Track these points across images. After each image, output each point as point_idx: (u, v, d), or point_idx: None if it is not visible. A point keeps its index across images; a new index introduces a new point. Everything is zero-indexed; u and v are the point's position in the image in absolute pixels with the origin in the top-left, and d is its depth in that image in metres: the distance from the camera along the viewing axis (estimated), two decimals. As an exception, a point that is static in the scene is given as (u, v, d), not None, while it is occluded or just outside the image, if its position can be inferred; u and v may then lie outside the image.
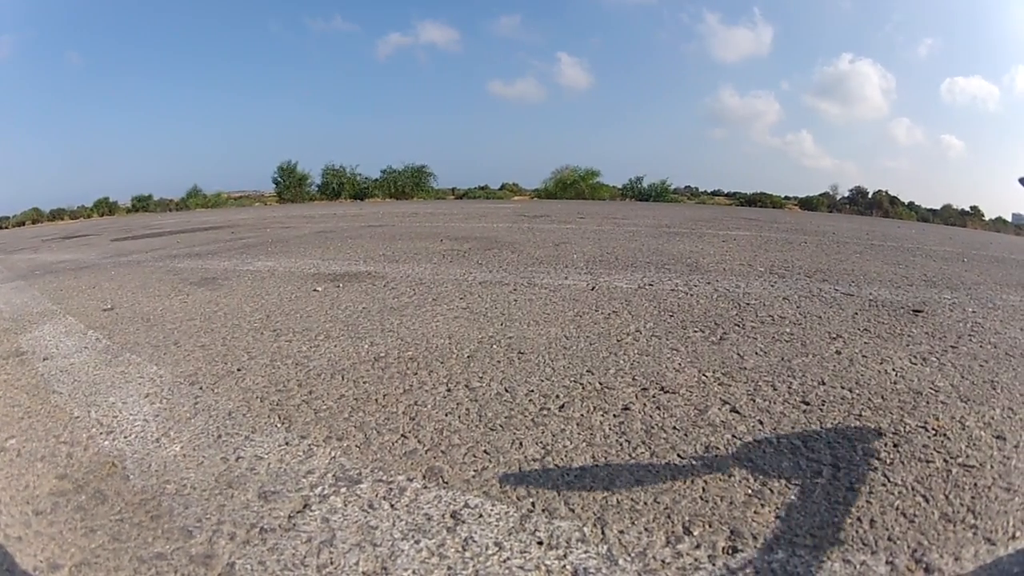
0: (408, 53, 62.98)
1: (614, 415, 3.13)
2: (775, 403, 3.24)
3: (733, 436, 2.86)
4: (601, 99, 64.15)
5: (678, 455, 2.68)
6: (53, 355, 4.58)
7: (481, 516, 2.26)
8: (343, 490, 2.47)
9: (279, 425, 3.12)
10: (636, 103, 67.77)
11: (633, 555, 2.01)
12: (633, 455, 2.69)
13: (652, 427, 2.98)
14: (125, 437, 3.05)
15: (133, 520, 2.30)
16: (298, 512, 2.32)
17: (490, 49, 64.41)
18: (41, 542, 2.19)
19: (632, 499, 2.34)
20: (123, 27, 59.54)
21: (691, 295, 5.93)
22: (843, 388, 3.44)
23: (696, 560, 1.98)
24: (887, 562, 1.95)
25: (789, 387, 3.46)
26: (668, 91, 66.88)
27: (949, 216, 33.23)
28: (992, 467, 2.55)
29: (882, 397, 3.31)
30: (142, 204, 41.61)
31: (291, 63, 66.59)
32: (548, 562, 1.98)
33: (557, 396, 3.39)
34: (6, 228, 35.34)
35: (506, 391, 3.48)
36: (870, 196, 37.82)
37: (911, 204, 36.63)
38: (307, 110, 67.48)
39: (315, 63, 65.98)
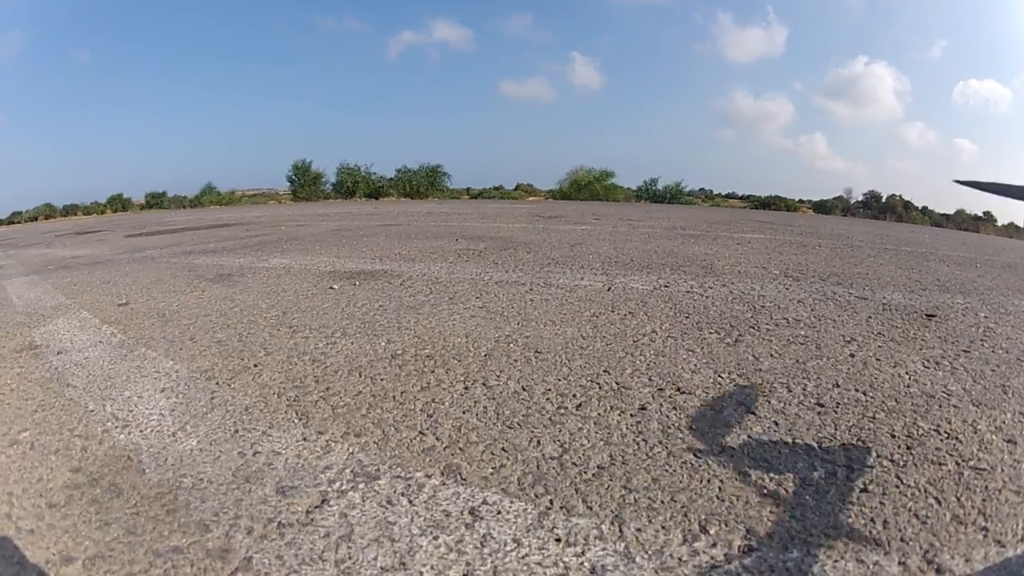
0: (420, 51, 63.25)
1: (631, 415, 3.14)
2: (790, 404, 3.24)
3: (749, 437, 2.87)
4: (613, 99, 64.28)
5: (694, 455, 2.69)
6: (67, 349, 4.61)
7: (499, 513, 2.27)
8: (361, 486, 2.48)
9: (296, 421, 3.14)
10: (649, 103, 67.89)
11: (650, 553, 2.02)
12: (650, 454, 2.70)
13: (669, 427, 2.98)
14: (141, 431, 3.07)
15: (149, 514, 2.31)
16: (316, 507, 2.33)
17: (502, 48, 64.63)
18: (54, 535, 2.20)
19: (649, 497, 2.35)
20: (136, 27, 60.11)
21: (706, 297, 5.93)
22: (857, 391, 3.44)
23: (712, 558, 1.99)
24: (900, 562, 1.96)
25: (804, 389, 3.46)
26: (681, 91, 66.95)
27: (962, 221, 33.13)
28: (1003, 470, 2.55)
29: (895, 400, 3.31)
30: (156, 201, 41.79)
31: (304, 62, 66.97)
32: (566, 559, 1.99)
33: (574, 395, 3.40)
34: (18, 223, 35.47)
35: (523, 389, 3.49)
36: (884, 200, 37.75)
37: (924, 208, 36.55)
38: (321, 109, 67.75)
39: (327, 62, 66.28)
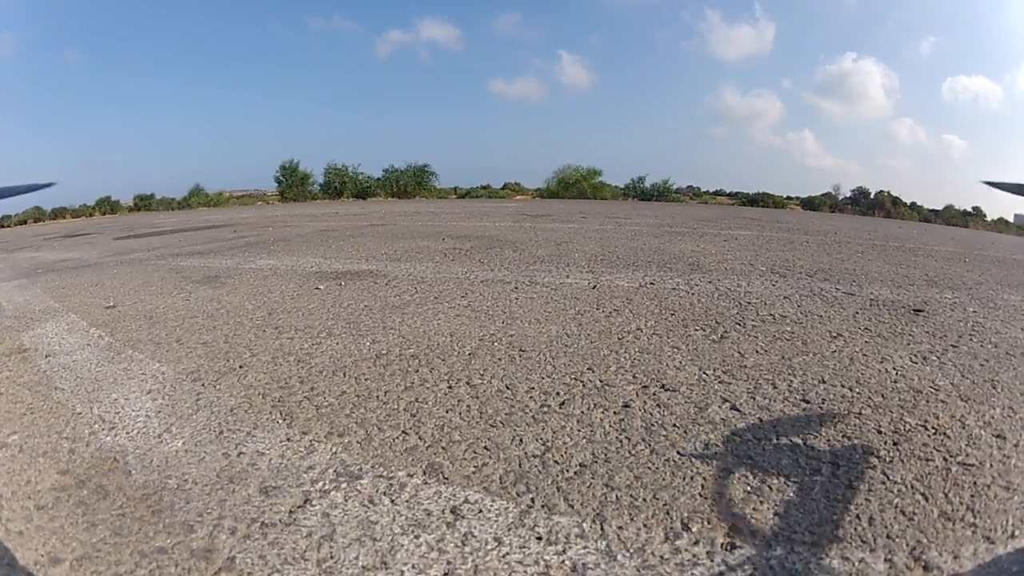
0: (409, 51, 62.89)
1: (614, 412, 3.14)
2: (775, 401, 3.25)
3: (733, 433, 2.87)
4: (602, 98, 64.01)
5: (678, 452, 2.69)
6: (55, 352, 4.60)
7: (481, 511, 2.27)
8: (344, 485, 2.48)
9: (281, 421, 3.13)
10: (637, 102, 67.58)
11: (632, 551, 2.02)
12: (633, 452, 2.70)
13: (652, 424, 2.98)
14: (127, 433, 3.06)
15: (135, 515, 2.31)
16: (299, 507, 2.33)
17: (491, 47, 64.27)
18: (43, 536, 2.20)
19: (631, 495, 2.35)
20: (122, 26, 59.48)
21: (692, 294, 5.94)
22: (843, 386, 3.45)
23: (695, 556, 1.99)
24: (886, 559, 1.96)
25: (789, 385, 3.46)
26: (669, 90, 66.65)
27: (951, 216, 33.18)
28: (992, 466, 2.55)
29: (882, 395, 3.31)
30: (144, 203, 41.62)
31: (292, 62, 66.58)
32: (547, 557, 1.99)
33: (558, 393, 3.40)
34: (7, 227, 35.34)
35: (507, 388, 3.49)
36: (872, 196, 37.76)
37: (913, 204, 36.57)
38: (308, 109, 67.35)
39: (316, 61, 65.87)
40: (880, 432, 2.87)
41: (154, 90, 62.85)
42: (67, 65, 56.72)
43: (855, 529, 2.13)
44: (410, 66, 61.85)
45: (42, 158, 56.73)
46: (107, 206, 40.40)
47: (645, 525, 2.16)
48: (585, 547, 2.04)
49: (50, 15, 56.99)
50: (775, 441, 2.79)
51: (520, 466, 2.60)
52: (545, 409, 3.19)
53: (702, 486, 2.41)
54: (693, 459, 2.63)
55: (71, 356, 4.47)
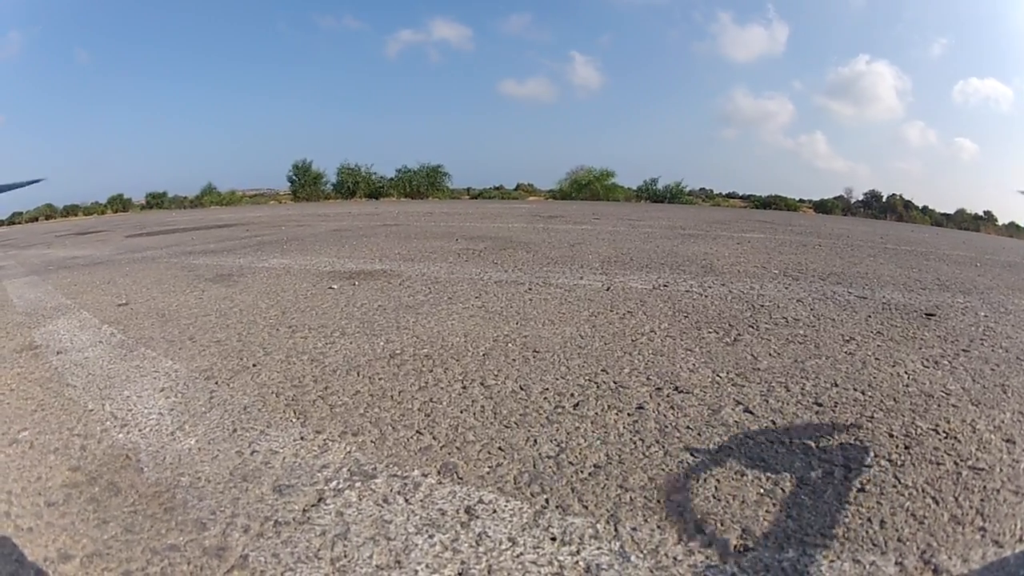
0: (420, 50, 63.11)
1: (628, 414, 3.14)
2: (788, 404, 3.24)
3: (746, 436, 2.87)
4: (614, 98, 64.08)
5: (691, 454, 2.69)
6: (67, 349, 4.60)
7: (495, 512, 2.27)
8: (358, 485, 2.48)
9: (294, 420, 3.14)
10: (649, 103, 67.64)
11: (645, 552, 2.02)
12: (647, 453, 2.70)
13: (666, 426, 2.98)
14: (140, 430, 3.06)
15: (147, 512, 2.31)
16: (312, 506, 2.33)
17: (502, 47, 64.42)
18: (53, 533, 2.20)
19: (645, 497, 2.35)
20: (133, 26, 59.87)
21: (705, 296, 5.93)
22: (856, 390, 3.44)
23: (707, 558, 1.99)
24: (896, 562, 1.95)
25: (802, 388, 3.46)
26: (680, 91, 66.73)
27: (963, 220, 33.11)
28: (1001, 470, 2.54)
29: (894, 399, 3.30)
30: (156, 201, 41.77)
31: (303, 61, 66.91)
32: (561, 558, 1.99)
33: (572, 395, 3.39)
34: (19, 224, 35.44)
35: (521, 389, 3.49)
36: (884, 200, 37.70)
37: (925, 208, 36.50)
38: (321, 109, 67.58)
39: (327, 61, 66.19)
40: (892, 436, 2.86)
41: (166, 90, 63.21)
42: (77, 64, 57.02)
43: (867, 532, 2.12)
44: (421, 66, 62.03)
45: (55, 156, 56.97)
46: (119, 204, 40.57)
47: (659, 527, 2.16)
48: (599, 548, 2.04)
49: (59, 15, 57.26)
50: (788, 444, 2.78)
51: (534, 467, 2.60)
52: (559, 410, 3.19)
53: (715, 488, 2.41)
54: (707, 461, 2.63)
55: (83, 353, 4.48)
